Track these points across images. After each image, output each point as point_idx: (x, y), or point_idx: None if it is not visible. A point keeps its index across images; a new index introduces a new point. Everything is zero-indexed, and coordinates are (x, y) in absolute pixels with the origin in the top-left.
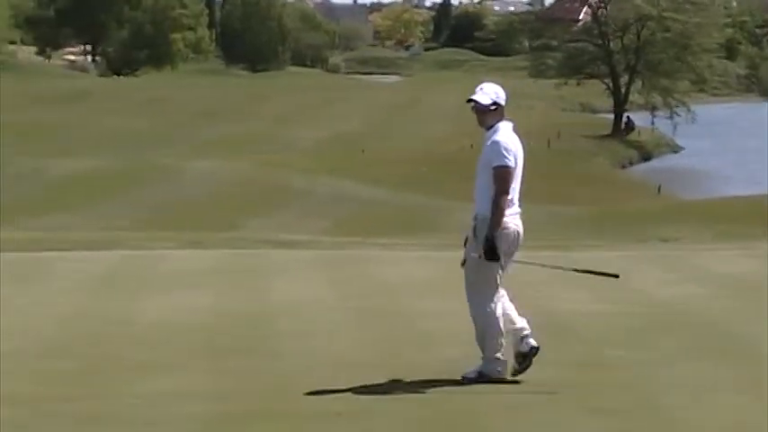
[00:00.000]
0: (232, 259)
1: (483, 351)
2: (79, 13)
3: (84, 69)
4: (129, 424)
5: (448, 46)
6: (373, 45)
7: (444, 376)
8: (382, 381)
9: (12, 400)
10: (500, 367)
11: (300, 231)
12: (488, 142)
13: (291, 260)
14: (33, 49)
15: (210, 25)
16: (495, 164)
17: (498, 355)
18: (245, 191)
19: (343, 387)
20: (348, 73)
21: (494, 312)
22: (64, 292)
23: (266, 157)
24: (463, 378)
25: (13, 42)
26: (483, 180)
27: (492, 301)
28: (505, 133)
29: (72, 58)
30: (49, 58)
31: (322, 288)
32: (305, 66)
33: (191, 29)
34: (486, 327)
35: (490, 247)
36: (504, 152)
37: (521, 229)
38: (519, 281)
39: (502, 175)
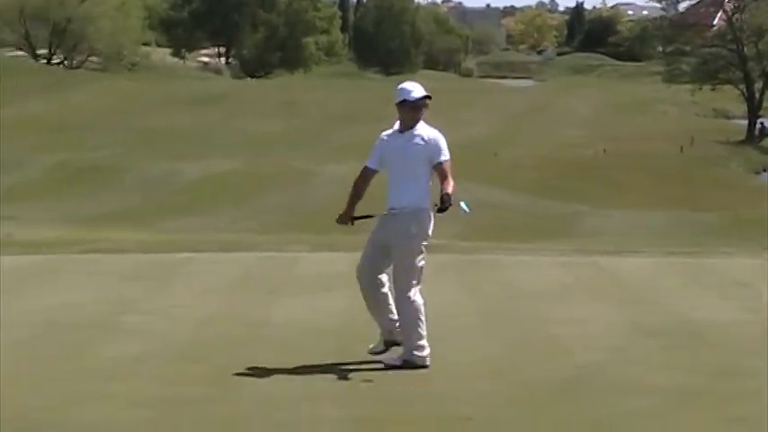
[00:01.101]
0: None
1: (408, 340)
2: (213, 15)
3: (217, 71)
4: (263, 427)
5: (581, 50)
6: (506, 49)
7: (575, 383)
8: (513, 387)
9: (146, 402)
10: (424, 353)
11: (433, 235)
12: (424, 137)
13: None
14: (167, 50)
15: (344, 28)
16: (446, 158)
17: (423, 342)
18: (377, 194)
19: (474, 392)
20: (481, 77)
21: (418, 300)
22: (197, 295)
23: None
24: (385, 364)
25: (147, 44)
26: (415, 173)
27: (418, 289)
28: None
29: (206, 59)
30: (183, 59)
31: (454, 292)
32: (438, 69)
33: (324, 32)
34: (413, 314)
35: (446, 207)
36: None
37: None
38: (653, 287)
39: (449, 166)
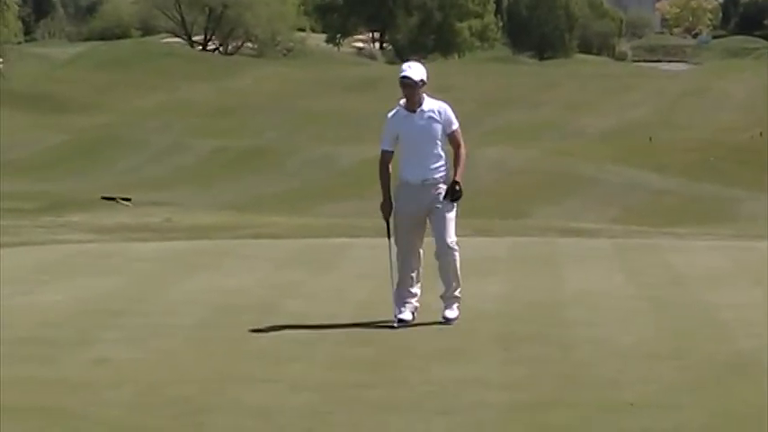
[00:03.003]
0: (522, 247)
1: (457, 283)
2: (368, 0)
3: (372, 56)
4: (424, 411)
5: (736, 34)
6: (660, 33)
7: (738, 369)
8: (679, 372)
9: (308, 385)
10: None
11: (589, 219)
12: (435, 113)
13: (582, 248)
14: (322, 36)
15: (497, 12)
16: (456, 125)
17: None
18: (534, 178)
19: (635, 378)
20: (635, 61)
21: None
22: (357, 279)
23: (554, 144)
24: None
25: (302, 30)
26: (437, 146)
27: None
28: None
29: (360, 45)
30: (338, 45)
31: (613, 277)
32: (592, 53)
33: (477, 16)
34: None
35: (459, 192)
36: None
37: None
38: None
39: (459, 133)
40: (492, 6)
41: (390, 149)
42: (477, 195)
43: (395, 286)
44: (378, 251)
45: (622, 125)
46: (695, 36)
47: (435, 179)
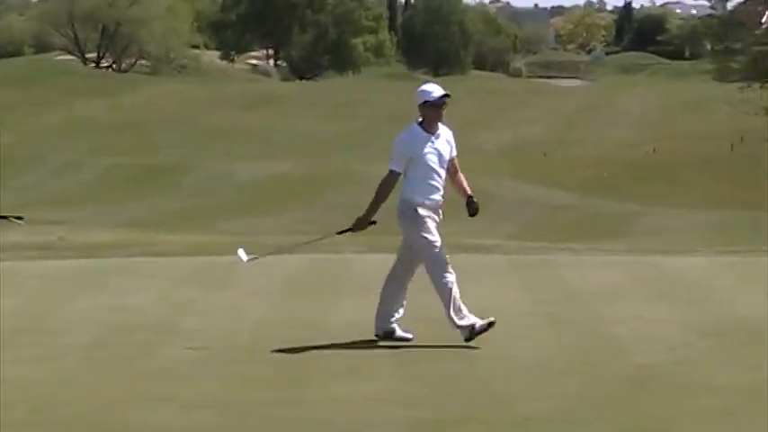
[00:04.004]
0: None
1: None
2: (262, 17)
3: (266, 73)
4: (327, 430)
5: (630, 50)
6: (555, 49)
7: (637, 383)
8: (580, 387)
9: (204, 404)
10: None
11: (485, 235)
12: (448, 136)
13: (478, 264)
14: (216, 53)
15: (392, 29)
16: (456, 153)
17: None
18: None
19: (540, 393)
20: (530, 77)
21: None
22: (254, 296)
23: None
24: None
25: (195, 47)
26: (443, 172)
27: None
28: None
29: (254, 62)
30: (232, 62)
31: (510, 293)
32: (486, 70)
33: (372, 32)
34: None
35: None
36: None
37: None
38: (709, 286)
39: None
40: (386, 22)
41: (400, 172)
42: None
43: (388, 302)
44: (274, 268)
45: (518, 141)
46: (589, 52)
47: (440, 202)
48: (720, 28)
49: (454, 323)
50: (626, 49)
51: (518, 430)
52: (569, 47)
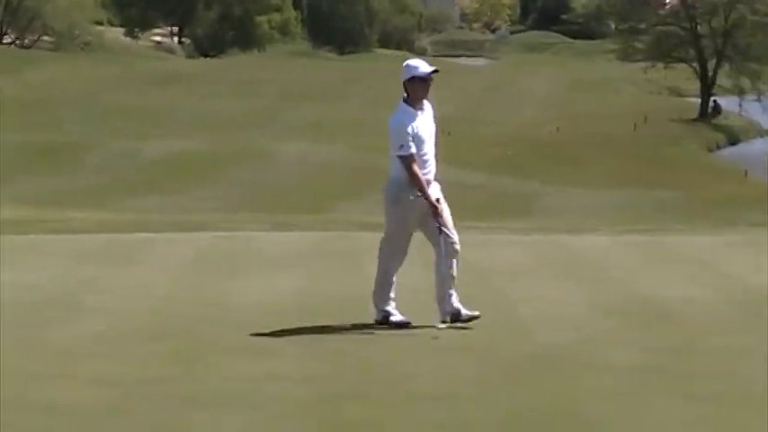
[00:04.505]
0: (323, 242)
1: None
2: None
3: (170, 51)
4: (225, 406)
5: (535, 29)
6: (460, 28)
7: (540, 361)
8: (478, 366)
9: (108, 382)
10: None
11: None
12: (432, 111)
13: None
14: (121, 30)
15: (297, 7)
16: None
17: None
18: (335, 174)
19: (436, 370)
20: (435, 56)
21: None
22: (157, 274)
23: (356, 139)
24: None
25: (99, 23)
26: (433, 147)
27: None
28: None
29: (158, 39)
30: (136, 39)
31: (414, 272)
32: (392, 48)
33: (277, 10)
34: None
35: None
36: None
37: None
38: (611, 265)
39: None
40: (291, 0)
41: (414, 151)
42: (278, 190)
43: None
44: (178, 246)
45: None
46: (494, 31)
47: (434, 176)
48: (625, 7)
49: (375, 302)
50: (531, 28)
51: (412, 407)
52: (474, 26)
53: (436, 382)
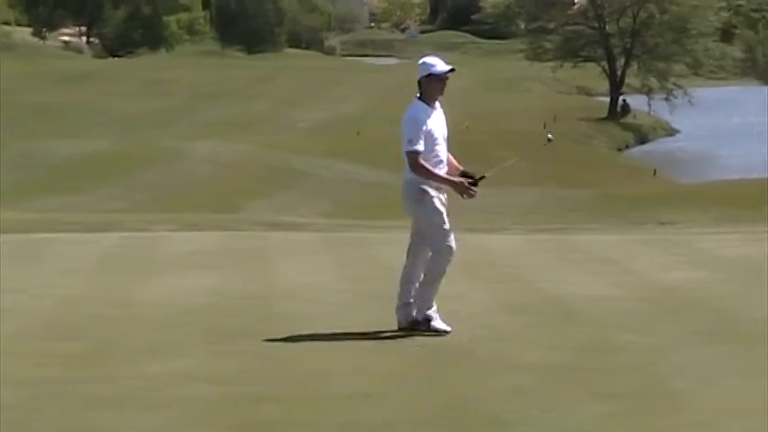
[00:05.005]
0: (233, 241)
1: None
2: None
3: (79, 50)
4: (135, 406)
5: (445, 28)
6: (370, 27)
7: (452, 358)
8: (388, 364)
9: (15, 382)
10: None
11: (300, 213)
12: (441, 112)
13: (292, 242)
14: (28, 30)
15: (205, 6)
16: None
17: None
18: (245, 172)
19: (347, 370)
20: (344, 55)
21: None
22: (64, 274)
23: (266, 138)
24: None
25: (7, 23)
26: (445, 146)
27: None
28: None
29: (67, 39)
30: (44, 38)
31: (324, 270)
32: (301, 48)
33: (186, 10)
34: None
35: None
36: None
37: None
38: (521, 264)
39: None
40: (200, 0)
41: (422, 150)
42: (187, 190)
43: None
44: (85, 246)
45: (333, 119)
46: (404, 30)
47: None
48: (534, 7)
49: (419, 306)
50: (440, 28)
51: (322, 407)
52: (384, 25)
53: (347, 381)
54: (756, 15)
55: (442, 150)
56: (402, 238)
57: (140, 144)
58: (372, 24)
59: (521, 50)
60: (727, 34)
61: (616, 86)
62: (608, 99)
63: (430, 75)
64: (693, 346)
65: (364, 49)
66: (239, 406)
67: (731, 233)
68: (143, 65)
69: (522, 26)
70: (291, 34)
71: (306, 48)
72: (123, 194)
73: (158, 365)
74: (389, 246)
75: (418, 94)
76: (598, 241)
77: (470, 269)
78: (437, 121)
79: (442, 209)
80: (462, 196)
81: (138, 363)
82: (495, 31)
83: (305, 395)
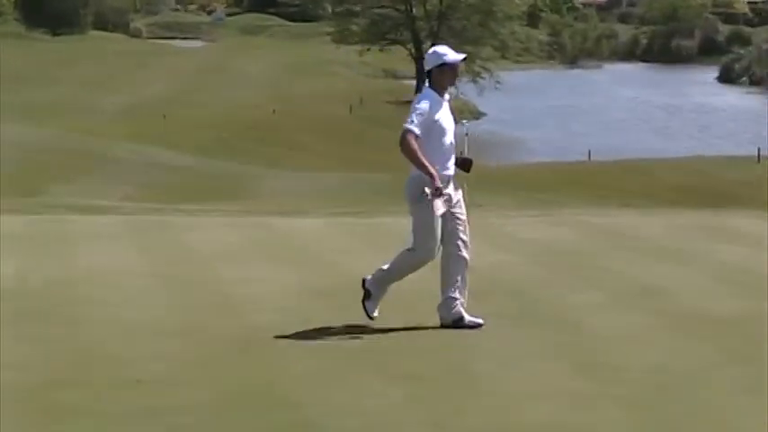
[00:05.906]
0: (34, 225)
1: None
2: None
3: None
4: None
5: (251, 11)
6: (176, 10)
7: (251, 343)
8: (187, 349)
9: None
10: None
11: (103, 197)
12: (448, 104)
13: (95, 226)
14: None
15: None
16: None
17: None
18: (49, 156)
19: (146, 355)
20: (150, 38)
21: None
22: None
23: (70, 122)
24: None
25: None
26: (453, 138)
27: None
28: None
29: None
30: None
31: (126, 254)
32: (107, 30)
33: None
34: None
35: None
36: None
37: None
38: (323, 247)
39: None
40: None
41: (419, 134)
42: None
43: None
44: None
45: (138, 103)
46: (210, 13)
47: (453, 175)
48: None
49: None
50: (247, 11)
51: (120, 392)
52: (190, 8)
53: (147, 365)
54: None
55: (449, 143)
56: (206, 222)
57: None
58: (179, 7)
59: (327, 33)
60: (533, 18)
61: (422, 69)
62: (415, 82)
63: (443, 64)
64: (496, 329)
65: (171, 31)
66: (42, 392)
67: (537, 216)
68: None
69: (330, 9)
70: (97, 16)
71: (112, 30)
72: None
73: None
74: (193, 230)
75: (427, 84)
76: (401, 224)
77: (272, 253)
78: (446, 113)
79: (441, 210)
80: (428, 195)
81: None
82: (302, 13)
83: (104, 380)
